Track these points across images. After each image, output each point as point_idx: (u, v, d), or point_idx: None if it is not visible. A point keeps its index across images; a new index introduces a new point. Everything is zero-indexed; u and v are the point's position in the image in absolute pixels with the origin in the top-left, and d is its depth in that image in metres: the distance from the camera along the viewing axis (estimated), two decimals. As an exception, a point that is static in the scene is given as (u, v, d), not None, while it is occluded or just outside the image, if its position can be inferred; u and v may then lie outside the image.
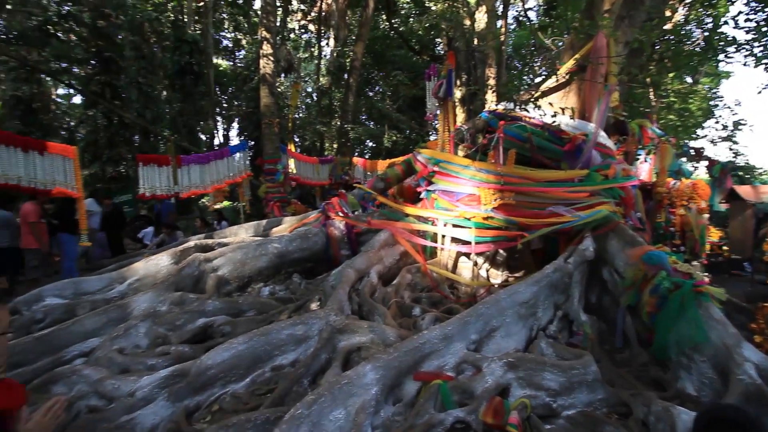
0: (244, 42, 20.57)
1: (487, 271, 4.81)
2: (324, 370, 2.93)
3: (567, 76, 5.04)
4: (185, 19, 15.63)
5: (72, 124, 16.89)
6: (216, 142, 19.72)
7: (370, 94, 17.67)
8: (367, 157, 17.44)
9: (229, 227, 6.60)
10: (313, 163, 9.22)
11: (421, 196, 4.87)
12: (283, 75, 16.56)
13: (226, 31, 21.10)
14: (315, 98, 19.64)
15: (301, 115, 17.79)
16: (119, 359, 3.07)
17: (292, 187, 8.62)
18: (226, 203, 9.90)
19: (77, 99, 18.78)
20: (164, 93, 15.03)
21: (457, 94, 7.47)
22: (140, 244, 8.50)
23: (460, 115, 7.40)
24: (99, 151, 11.14)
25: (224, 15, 19.86)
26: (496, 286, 4.36)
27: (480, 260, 4.79)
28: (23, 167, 4.81)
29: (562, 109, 4.35)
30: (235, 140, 19.73)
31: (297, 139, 15.99)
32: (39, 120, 12.46)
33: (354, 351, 3.02)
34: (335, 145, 13.62)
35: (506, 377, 2.67)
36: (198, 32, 15.40)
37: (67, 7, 11.16)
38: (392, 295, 3.98)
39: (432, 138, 8.35)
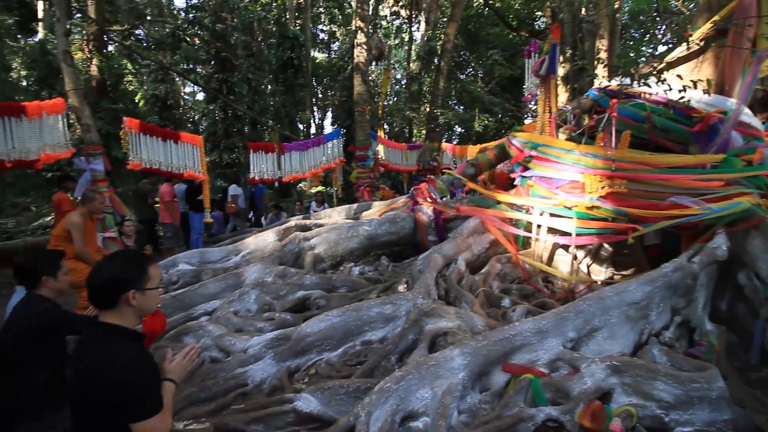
0: (338, 34, 21.45)
1: (588, 266, 4.40)
2: (410, 350, 3.02)
3: (701, 43, 4.26)
4: (287, 16, 16.83)
5: (196, 117, 19.59)
6: (312, 130, 21.11)
7: (461, 77, 17.09)
8: (455, 142, 17.06)
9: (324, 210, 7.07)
10: (402, 149, 9.32)
11: (515, 182, 4.61)
12: (374, 63, 16.92)
13: (322, 24, 22.20)
14: (404, 84, 19.73)
15: (390, 101, 18.03)
16: (234, 320, 3.54)
17: (381, 172, 8.85)
18: (320, 188, 10.59)
19: (200, 96, 21.69)
20: (269, 87, 16.49)
21: (560, 71, 6.82)
22: (248, 222, 9.60)
23: (563, 95, 6.76)
24: (217, 141, 12.71)
25: (321, 9, 20.89)
26: (599, 283, 3.96)
27: (580, 254, 4.40)
28: (163, 154, 5.75)
29: (694, 83, 3.69)
30: (329, 128, 20.88)
31: (386, 126, 16.31)
32: (172, 114, 14.66)
33: (440, 335, 3.04)
34: (424, 131, 13.57)
35: (608, 381, 2.45)
36: (298, 28, 16.49)
37: (192, 15, 12.80)
38: (480, 283, 3.88)
39: (528, 121, 7.80)
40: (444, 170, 7.57)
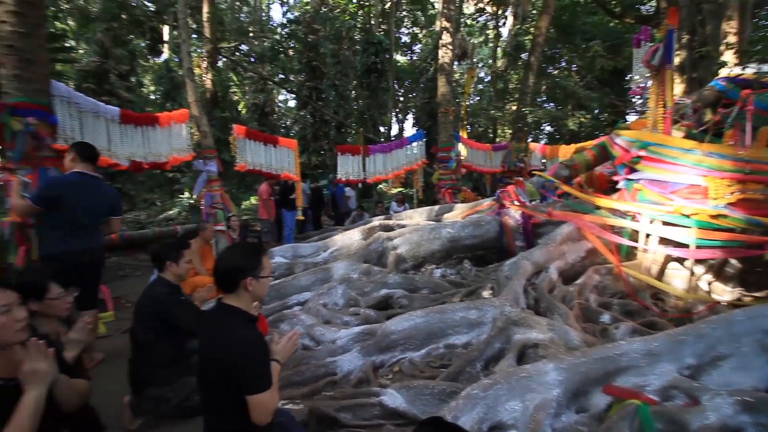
0: (420, 36, 21.55)
1: (710, 283, 3.80)
2: (496, 359, 2.92)
3: None
4: (372, 22, 17.40)
5: (288, 123, 21.26)
6: (393, 132, 21.53)
7: (553, 72, 15.98)
8: (543, 142, 16.02)
9: (405, 211, 7.17)
10: (486, 150, 9.03)
11: (618, 186, 4.18)
12: (456, 62, 16.67)
13: (405, 27, 22.51)
14: (488, 83, 19.09)
15: (473, 101, 17.59)
16: (323, 312, 3.76)
17: (463, 174, 8.69)
18: (400, 189, 10.75)
19: (291, 103, 23.49)
20: (353, 92, 17.23)
21: (675, 60, 5.98)
22: (334, 221, 10.13)
23: (678, 87, 5.93)
24: (306, 144, 13.64)
25: (404, 12, 21.20)
26: (724, 304, 3.41)
27: (699, 269, 3.83)
28: (264, 157, 6.37)
29: None
30: (409, 131, 21.09)
31: (469, 127, 15.96)
32: (269, 121, 16.11)
33: (530, 346, 2.89)
34: (509, 131, 12.98)
35: (738, 419, 2.09)
36: (381, 33, 16.95)
37: (288, 28, 13.95)
38: (575, 295, 3.59)
39: (631, 117, 7.01)
40: (532, 172, 7.17)
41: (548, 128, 18.51)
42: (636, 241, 3.79)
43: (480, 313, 3.18)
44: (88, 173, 3.08)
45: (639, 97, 4.93)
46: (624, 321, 3.18)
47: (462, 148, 8.14)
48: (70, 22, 12.83)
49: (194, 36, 12.84)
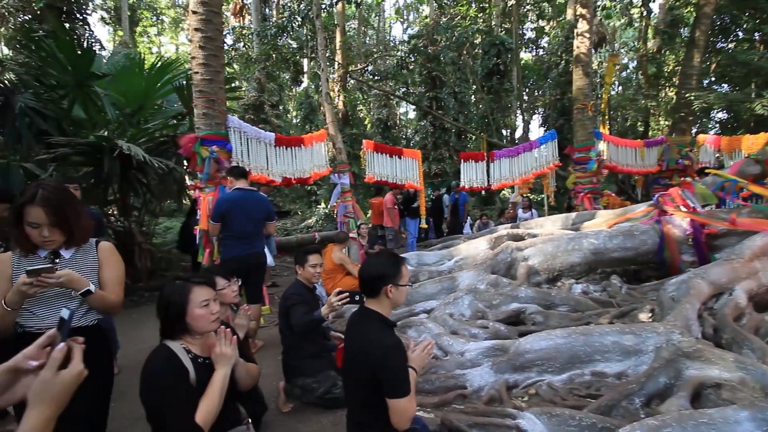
0: (548, 29, 19.92)
1: None
2: (661, 396, 2.44)
3: None
4: (493, 23, 16.82)
5: (409, 134, 21.98)
6: (517, 134, 20.30)
7: (727, 46, 12.90)
8: (714, 132, 13.01)
9: (535, 218, 6.64)
10: (636, 146, 7.70)
11: None
12: (592, 51, 14.85)
13: (529, 22, 21.11)
14: (635, 69, 16.49)
15: (616, 92, 15.41)
16: (450, 322, 3.71)
17: (605, 176, 7.62)
18: (527, 194, 9.97)
19: (411, 114, 24.25)
20: (473, 97, 16.86)
21: None
22: (449, 229, 9.99)
23: None
24: (427, 153, 13.87)
25: (528, 7, 19.91)
26: None
27: None
28: (389, 168, 6.70)
29: None
30: (535, 132, 19.61)
31: (612, 121, 14.00)
32: (391, 134, 16.93)
33: (710, 386, 2.34)
34: (666, 122, 10.91)
35: None
36: (502, 32, 16.22)
37: (410, 44, 14.46)
38: (776, 326, 2.78)
39: None
40: (705, 170, 5.84)
41: (720, 115, 14.97)
42: None
43: (638, 339, 2.72)
44: (245, 188, 3.73)
45: None
46: None
47: (604, 147, 7.13)
48: (236, 66, 15.78)
49: (327, 63, 14.39)
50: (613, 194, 7.70)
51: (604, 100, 8.78)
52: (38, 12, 10.35)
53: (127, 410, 2.92)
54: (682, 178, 6.20)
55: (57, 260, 1.68)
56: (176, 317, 1.61)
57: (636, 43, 16.67)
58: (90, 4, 12.01)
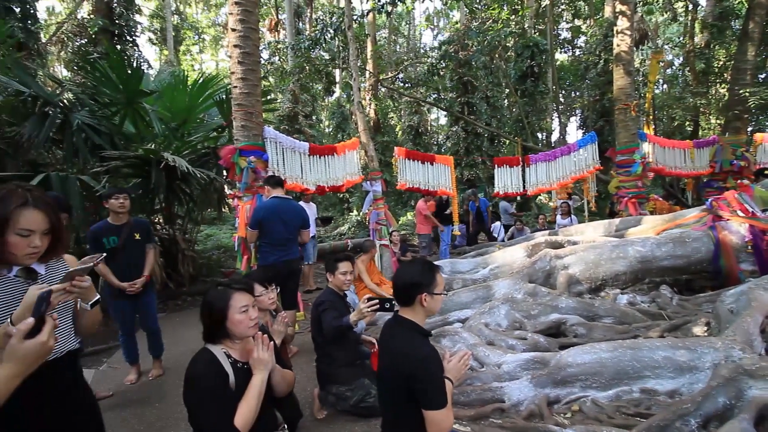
0: (584, 28, 19.28)
1: None
2: (721, 417, 2.25)
3: None
4: (526, 25, 16.48)
5: (440, 139, 21.85)
6: (553, 138, 19.68)
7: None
8: (773, 131, 12.00)
9: (573, 224, 6.37)
10: (685, 147, 7.21)
11: None
12: (634, 48, 14.18)
13: (564, 22, 20.52)
14: (681, 66, 15.57)
15: (660, 91, 14.59)
16: (486, 332, 3.60)
17: (650, 179, 7.19)
18: (565, 200, 9.60)
19: (442, 120, 24.11)
20: (506, 100, 16.52)
21: None
22: (488, 236, 9.78)
23: None
24: (459, 159, 13.70)
25: (563, 7, 19.35)
26: None
27: None
28: (421, 174, 6.66)
29: None
30: (573, 135, 18.91)
31: (657, 122, 13.26)
32: (422, 140, 16.89)
33: (780, 410, 2.12)
34: (718, 121, 10.19)
35: None
36: (536, 34, 15.83)
37: (438, 51, 14.43)
38: None
39: None
40: (763, 171, 5.38)
41: (781, 111, 13.79)
42: None
43: (692, 355, 2.52)
44: (281, 196, 3.83)
45: None
46: None
47: (649, 148, 6.74)
48: (271, 79, 16.37)
49: (359, 73, 14.61)
50: (661, 198, 7.25)
51: (647, 99, 8.33)
52: (93, 36, 11.23)
53: (171, 411, 3.04)
54: (738, 181, 5.74)
55: (32, 277, 1.37)
56: (217, 322, 1.67)
57: (681, 39, 15.77)
58: (138, 26, 12.88)
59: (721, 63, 12.47)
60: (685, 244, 3.75)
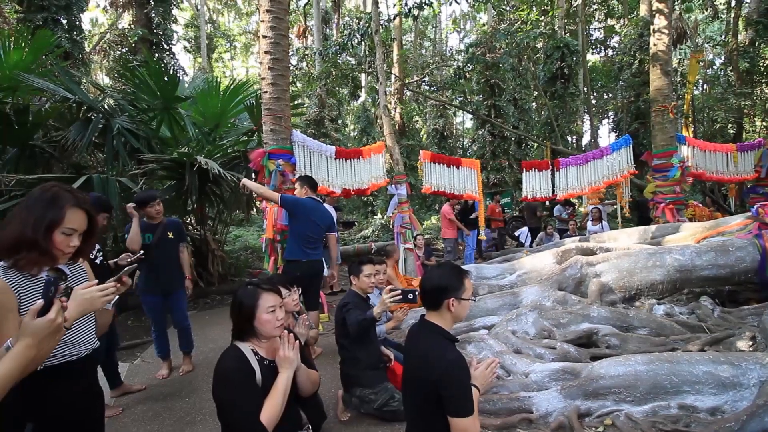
0: (618, 27, 18.64)
1: None
2: (769, 439, 2.09)
3: None
4: (556, 26, 16.13)
5: (465, 143, 21.62)
6: (584, 141, 19.08)
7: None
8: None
9: (605, 231, 6.13)
10: (728, 151, 6.81)
11: None
12: (672, 48, 13.58)
13: (596, 21, 19.92)
14: (723, 65, 14.78)
15: (700, 92, 13.90)
16: (513, 339, 3.51)
17: (690, 184, 6.84)
18: (596, 205, 9.26)
19: (468, 123, 23.86)
20: (534, 103, 16.17)
21: None
22: (516, 241, 9.58)
23: None
24: (485, 162, 13.51)
25: (594, 6, 18.79)
26: None
27: None
28: (447, 178, 6.61)
29: None
30: (605, 138, 18.28)
31: (697, 124, 12.62)
32: (447, 144, 16.78)
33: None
34: (765, 123, 9.60)
35: None
36: (567, 35, 15.43)
37: (465, 54, 14.30)
38: None
39: None
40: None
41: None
42: None
43: (736, 370, 2.38)
44: (315, 198, 3.88)
45: None
46: None
47: (688, 152, 6.40)
48: (299, 84, 16.70)
49: (385, 77, 14.69)
50: (701, 205, 6.88)
51: (687, 100, 7.95)
52: (133, 45, 11.83)
53: (200, 406, 3.13)
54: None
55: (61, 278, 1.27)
56: (246, 320, 1.70)
57: (723, 37, 14.97)
58: (175, 35, 13.47)
59: (767, 62, 11.76)
60: (729, 253, 3.54)
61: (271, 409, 1.59)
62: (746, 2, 13.09)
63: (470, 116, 16.98)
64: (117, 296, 1.46)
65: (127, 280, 1.44)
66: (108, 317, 1.60)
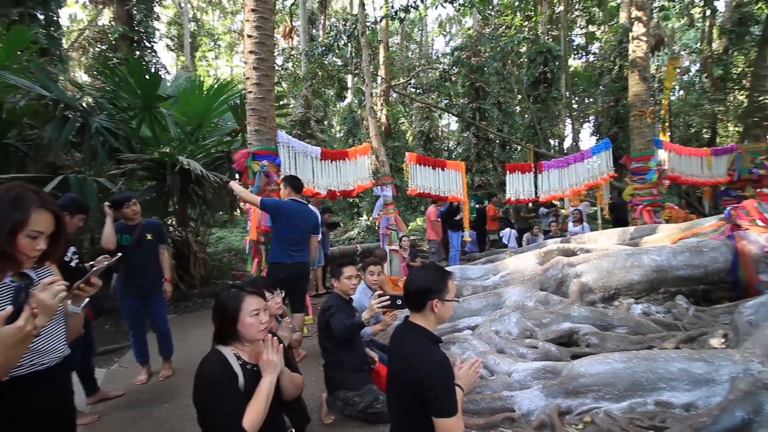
0: (598, 33, 19.13)
1: None
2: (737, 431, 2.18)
3: None
4: (539, 31, 16.44)
5: (450, 145, 21.79)
6: (566, 144, 19.47)
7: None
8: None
9: (585, 232, 6.27)
10: (702, 155, 7.07)
11: None
12: (650, 54, 14.01)
13: (578, 28, 20.39)
14: (698, 72, 15.32)
15: (676, 97, 14.37)
16: (496, 339, 3.55)
17: (666, 187, 7.06)
18: (577, 207, 9.47)
19: (453, 125, 24.07)
20: (518, 107, 16.43)
21: None
22: (500, 243, 9.70)
23: None
24: (470, 164, 13.64)
25: (576, 13, 19.25)
26: None
27: None
28: (432, 180, 6.66)
29: None
30: (586, 141, 18.70)
31: (673, 128, 13.03)
32: (433, 146, 16.89)
33: (801, 426, 2.05)
34: (736, 128, 9.99)
35: None
36: (549, 40, 15.76)
37: (450, 57, 14.45)
38: None
39: None
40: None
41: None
42: None
43: (709, 367, 2.46)
44: (299, 200, 3.85)
45: None
46: None
47: (665, 156, 6.62)
48: (284, 84, 16.57)
49: (371, 79, 14.71)
50: (677, 207, 7.11)
51: (663, 106, 8.21)
52: (113, 42, 11.54)
53: (180, 411, 3.07)
54: (758, 189, 5.60)
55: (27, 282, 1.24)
56: (228, 323, 1.68)
57: (699, 45, 15.53)
58: (157, 33, 13.19)
59: (739, 69, 12.25)
60: (703, 254, 3.66)
61: (253, 414, 1.57)
62: (720, 12, 13.62)
63: (455, 119, 17.16)
64: (87, 298, 1.42)
65: (96, 281, 1.38)
66: (79, 321, 1.49)
